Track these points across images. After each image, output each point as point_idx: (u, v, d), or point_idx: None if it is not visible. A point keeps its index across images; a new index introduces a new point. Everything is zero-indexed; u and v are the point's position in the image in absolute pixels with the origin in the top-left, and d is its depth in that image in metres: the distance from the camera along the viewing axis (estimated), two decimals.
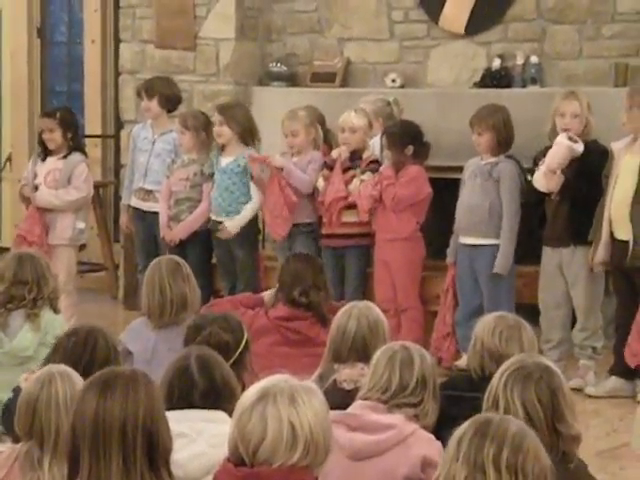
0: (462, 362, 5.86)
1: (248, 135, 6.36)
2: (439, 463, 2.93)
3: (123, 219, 7.04)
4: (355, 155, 6.24)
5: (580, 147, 5.65)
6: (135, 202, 6.81)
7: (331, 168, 6.24)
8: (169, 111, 6.78)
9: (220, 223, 6.39)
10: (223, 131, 6.35)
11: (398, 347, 3.13)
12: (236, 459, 2.31)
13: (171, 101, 6.77)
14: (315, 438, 2.28)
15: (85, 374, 2.91)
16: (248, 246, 6.41)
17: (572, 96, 5.78)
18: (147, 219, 6.75)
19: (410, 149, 6.04)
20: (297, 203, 6.21)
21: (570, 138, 5.65)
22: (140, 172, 6.78)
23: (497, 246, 5.90)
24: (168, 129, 6.75)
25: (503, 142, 5.91)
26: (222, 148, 6.42)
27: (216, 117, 6.40)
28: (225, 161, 6.39)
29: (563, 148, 5.64)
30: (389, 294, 6.06)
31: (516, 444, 2.13)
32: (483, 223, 5.92)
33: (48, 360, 3.25)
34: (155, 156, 6.72)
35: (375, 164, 6.21)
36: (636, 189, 5.49)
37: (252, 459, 2.27)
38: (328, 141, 6.47)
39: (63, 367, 2.85)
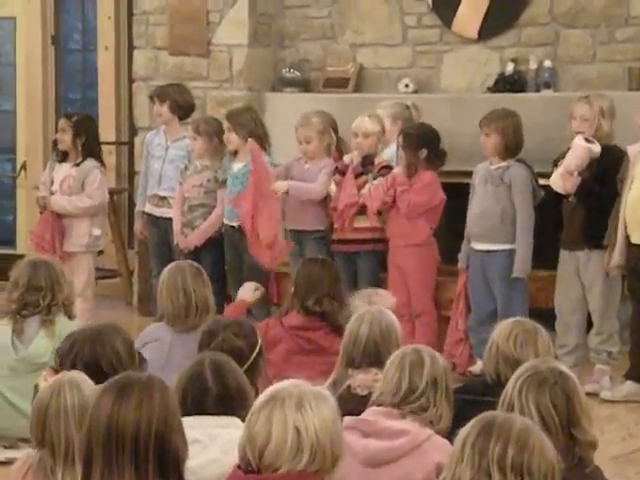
0: (476, 368, 5.86)
1: (256, 140, 6.36)
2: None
3: (137, 226, 7.06)
4: (367, 160, 6.24)
5: (597, 148, 5.64)
6: (149, 208, 6.84)
7: (343, 173, 6.24)
8: (181, 118, 6.79)
9: (233, 228, 6.40)
10: (231, 137, 6.37)
11: (409, 350, 3.13)
12: (245, 463, 2.31)
13: (183, 108, 6.78)
14: (322, 444, 2.27)
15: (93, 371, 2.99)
16: None
17: (584, 100, 5.78)
18: (161, 225, 6.77)
19: (424, 152, 6.03)
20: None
21: (587, 140, 5.64)
22: (154, 179, 6.80)
23: (510, 251, 5.89)
24: (181, 135, 6.76)
25: (510, 147, 5.89)
26: (234, 154, 6.44)
27: (224, 124, 6.44)
28: (237, 166, 6.41)
29: (580, 149, 5.63)
30: (403, 299, 6.04)
31: (521, 442, 2.11)
32: (495, 229, 5.90)
33: (59, 355, 3.28)
34: (169, 162, 6.74)
35: (387, 169, 6.21)
36: None
37: (258, 462, 2.27)
38: (339, 148, 6.46)
39: (73, 375, 2.85)
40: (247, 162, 6.35)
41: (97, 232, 6.59)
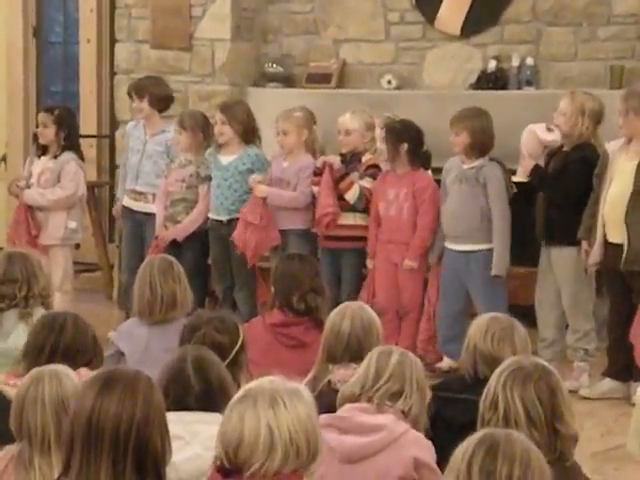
0: (444, 364, 5.89)
1: (249, 133, 6.36)
2: (431, 463, 2.94)
3: (116, 208, 7.01)
4: (354, 157, 6.25)
5: (549, 136, 5.67)
6: (126, 201, 6.81)
7: (318, 174, 6.21)
8: (161, 111, 6.76)
9: (220, 222, 6.38)
10: (224, 130, 6.34)
11: (380, 347, 3.16)
12: (220, 460, 2.30)
13: (162, 101, 6.74)
14: (295, 442, 2.26)
15: (50, 357, 3.08)
16: None
17: (567, 95, 5.83)
18: (136, 219, 6.75)
19: (404, 147, 6.03)
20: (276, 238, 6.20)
21: (548, 128, 5.69)
22: (132, 173, 6.78)
23: (489, 250, 5.91)
24: (160, 129, 6.73)
25: (478, 147, 5.90)
26: (220, 146, 6.41)
27: (217, 116, 6.40)
28: (227, 159, 6.37)
29: (528, 133, 5.69)
30: (393, 297, 6.05)
31: (525, 461, 2.14)
32: (474, 229, 5.92)
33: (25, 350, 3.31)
34: (147, 158, 6.70)
35: (374, 169, 6.21)
36: (631, 193, 5.49)
37: (233, 459, 2.26)
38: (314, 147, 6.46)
39: (55, 367, 2.85)
40: (239, 155, 6.33)
41: (73, 225, 6.57)
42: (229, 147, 6.38)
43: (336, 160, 6.16)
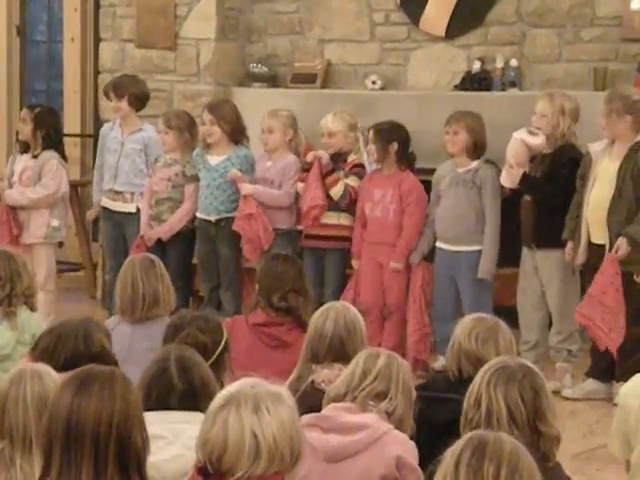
0: (438, 364, 5.89)
1: (238, 133, 6.36)
2: (413, 463, 2.94)
3: (91, 210, 6.99)
4: (339, 158, 6.26)
5: (536, 140, 5.69)
6: (104, 202, 6.80)
7: (308, 171, 6.24)
8: (138, 109, 6.74)
9: (209, 222, 6.37)
10: (213, 130, 6.33)
11: (370, 349, 3.16)
12: (203, 466, 2.29)
13: (140, 99, 6.72)
14: (280, 448, 2.25)
15: (66, 368, 2.92)
16: (234, 246, 6.40)
17: (545, 96, 5.86)
18: (115, 219, 6.73)
19: (394, 146, 6.05)
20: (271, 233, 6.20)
21: (530, 132, 5.70)
22: (110, 173, 6.75)
23: (479, 251, 5.93)
24: (137, 128, 6.71)
25: (477, 146, 5.94)
26: (207, 146, 6.41)
27: (205, 116, 6.38)
28: (215, 160, 6.37)
29: (513, 141, 5.71)
30: (378, 297, 6.05)
31: (513, 463, 2.14)
32: (470, 232, 5.94)
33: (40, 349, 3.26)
34: (124, 157, 6.68)
35: (359, 168, 6.22)
36: (613, 195, 5.51)
37: (217, 467, 2.24)
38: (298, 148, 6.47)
39: (37, 366, 2.84)
40: (228, 155, 6.33)
41: (55, 223, 6.56)
42: (218, 147, 6.38)
43: (325, 155, 6.18)
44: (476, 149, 5.95)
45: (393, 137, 6.04)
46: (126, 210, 6.65)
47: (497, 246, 5.94)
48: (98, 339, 3.28)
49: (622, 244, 5.41)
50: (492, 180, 5.92)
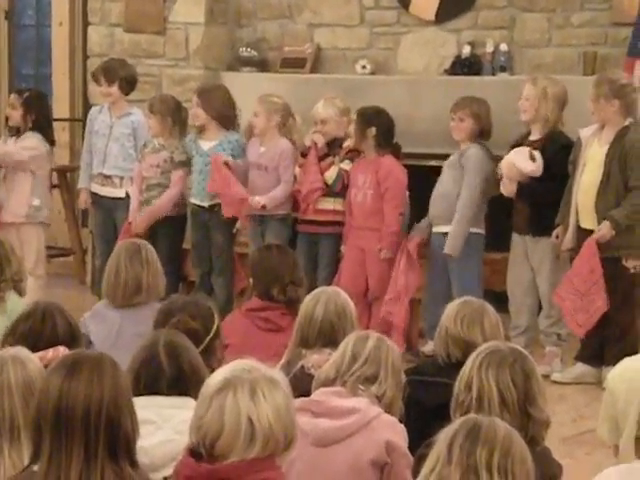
0: (428, 348, 5.90)
1: (225, 120, 6.34)
2: (403, 447, 2.95)
3: (82, 199, 6.97)
4: (335, 143, 6.25)
5: (528, 167, 5.67)
6: (94, 187, 6.78)
7: (306, 156, 6.23)
8: (127, 94, 6.71)
9: (202, 208, 6.36)
10: (198, 113, 6.33)
11: (358, 332, 3.15)
12: (195, 449, 2.29)
13: (130, 84, 6.70)
14: (275, 433, 2.25)
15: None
16: (228, 232, 6.40)
17: (530, 80, 5.86)
18: (105, 204, 6.71)
19: (372, 131, 6.04)
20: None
21: (531, 155, 5.69)
22: (99, 157, 6.73)
23: (470, 233, 5.94)
24: (126, 112, 6.68)
25: (484, 132, 5.95)
26: (200, 131, 6.40)
27: (193, 99, 6.40)
28: (207, 145, 6.37)
29: (508, 164, 5.71)
30: (361, 283, 6.05)
31: (505, 448, 2.15)
32: (452, 212, 5.94)
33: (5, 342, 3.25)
34: (113, 141, 6.66)
35: (354, 153, 6.21)
36: (601, 180, 5.52)
37: (209, 450, 2.24)
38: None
39: (16, 351, 2.81)
40: (219, 141, 6.32)
41: (36, 202, 6.55)
42: (209, 132, 6.37)
43: (320, 139, 6.16)
44: (482, 135, 5.96)
45: (372, 122, 6.03)
46: (115, 195, 6.63)
47: (466, 225, 5.90)
48: (67, 321, 3.28)
49: (605, 227, 5.43)
50: (474, 160, 5.90)
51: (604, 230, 5.43)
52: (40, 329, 3.23)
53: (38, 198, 6.56)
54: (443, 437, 2.16)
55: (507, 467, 2.13)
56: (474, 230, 5.96)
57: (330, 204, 6.20)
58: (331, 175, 6.14)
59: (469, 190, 5.90)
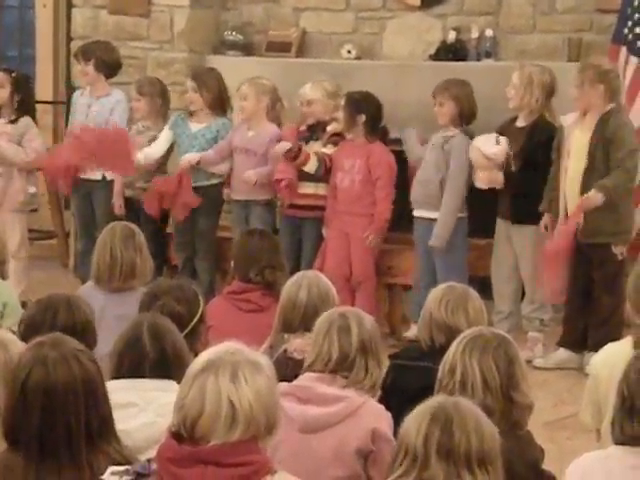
0: (411, 333, 5.91)
1: (220, 103, 6.34)
2: (388, 434, 2.96)
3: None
4: (318, 126, 6.24)
5: (492, 149, 5.68)
6: None
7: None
8: (108, 76, 6.66)
9: None
10: (194, 98, 6.31)
11: (335, 315, 3.11)
12: (177, 431, 2.29)
13: (109, 66, 6.64)
14: (256, 416, 2.24)
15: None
16: (213, 216, 6.40)
17: (517, 67, 5.86)
18: (82, 187, 6.64)
19: (362, 117, 6.03)
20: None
21: (497, 140, 5.70)
22: None
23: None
24: (105, 93, 6.65)
25: (465, 115, 5.93)
26: (190, 114, 6.38)
27: (189, 83, 6.38)
28: (196, 127, 6.36)
29: (473, 149, 5.74)
30: (345, 267, 6.06)
31: (478, 430, 2.17)
32: (434, 197, 5.94)
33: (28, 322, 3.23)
34: (92, 120, 6.62)
35: (338, 137, 6.20)
36: (586, 167, 5.53)
37: (190, 432, 2.25)
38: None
39: (1, 334, 2.81)
40: (208, 123, 6.32)
41: (33, 190, 6.53)
42: (199, 115, 6.37)
43: (283, 146, 6.08)
44: (463, 117, 5.94)
45: (362, 108, 6.03)
46: (92, 177, 6.60)
47: (452, 215, 5.92)
48: (83, 311, 3.25)
49: (596, 197, 5.41)
50: (460, 148, 5.90)
51: (592, 196, 5.39)
52: (41, 319, 3.21)
53: (34, 185, 6.55)
54: (414, 432, 2.16)
55: (484, 454, 2.16)
56: (457, 215, 5.97)
57: (313, 189, 6.19)
58: (312, 166, 6.12)
59: (454, 181, 5.90)
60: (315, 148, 6.20)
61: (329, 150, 6.18)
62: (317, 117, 6.23)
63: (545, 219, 5.73)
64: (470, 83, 5.99)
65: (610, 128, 5.49)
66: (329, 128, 6.24)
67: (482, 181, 5.82)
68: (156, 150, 6.41)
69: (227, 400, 2.22)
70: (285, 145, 6.10)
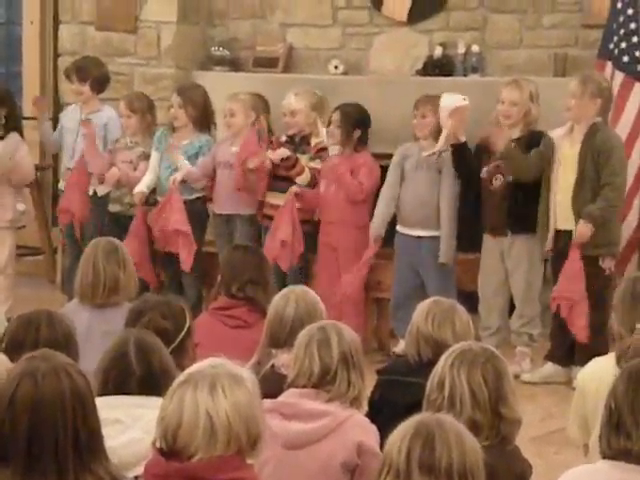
0: (399, 348, 5.91)
1: (204, 119, 6.36)
2: (374, 448, 2.95)
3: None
4: (302, 141, 6.24)
5: (457, 101, 5.69)
6: (61, 184, 6.78)
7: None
8: (99, 92, 6.70)
9: None
10: (179, 115, 6.32)
11: (315, 329, 3.11)
12: (160, 444, 2.28)
13: (102, 83, 6.69)
14: (235, 429, 2.24)
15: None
16: (198, 230, 6.39)
17: (513, 84, 5.85)
18: None
19: (358, 132, 6.07)
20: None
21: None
22: (68, 153, 6.74)
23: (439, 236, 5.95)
24: (96, 109, 6.66)
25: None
26: (173, 129, 6.39)
27: (174, 99, 6.38)
28: (178, 143, 6.36)
29: (444, 110, 5.75)
30: (334, 281, 6.05)
31: (460, 446, 2.17)
32: (433, 217, 5.96)
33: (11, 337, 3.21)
34: (83, 136, 6.63)
35: (324, 152, 6.21)
36: (576, 180, 5.55)
37: (172, 445, 2.25)
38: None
39: None
40: (190, 139, 6.33)
41: (21, 207, 6.51)
42: (182, 132, 6.38)
43: (281, 153, 6.07)
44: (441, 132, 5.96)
45: (358, 124, 6.07)
46: None
47: (455, 230, 5.96)
48: (65, 325, 3.23)
49: (582, 226, 5.45)
50: (449, 164, 5.92)
51: (582, 229, 5.46)
52: (23, 334, 3.19)
53: (23, 203, 6.54)
54: (397, 449, 2.16)
55: (466, 467, 2.15)
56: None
57: (282, 200, 6.16)
58: (304, 180, 6.13)
59: (452, 197, 5.93)
60: (302, 162, 6.22)
61: (317, 165, 6.20)
62: (299, 128, 6.24)
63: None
64: None
65: (598, 139, 5.53)
66: (313, 141, 6.25)
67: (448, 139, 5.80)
68: (153, 176, 6.38)
69: (205, 412, 2.23)
70: (284, 152, 6.10)
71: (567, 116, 5.63)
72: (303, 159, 6.22)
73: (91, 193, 6.59)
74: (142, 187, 6.35)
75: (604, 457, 2.57)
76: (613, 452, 2.54)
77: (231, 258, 4.48)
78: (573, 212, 5.56)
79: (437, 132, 5.93)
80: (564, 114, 5.65)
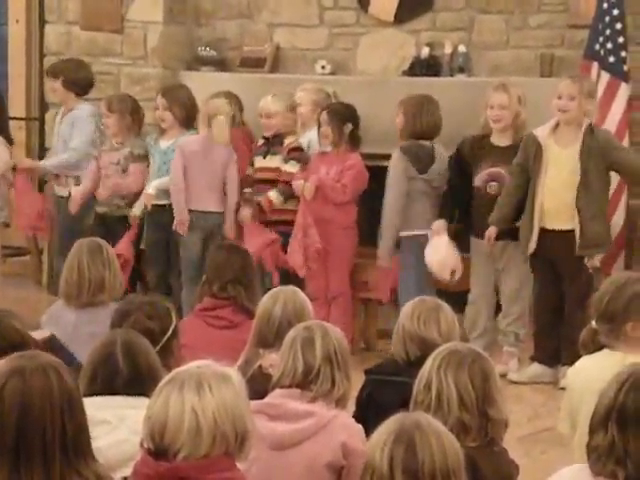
0: None
1: (190, 119, 6.35)
2: (359, 449, 2.95)
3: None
4: (276, 140, 6.24)
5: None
6: (49, 185, 6.80)
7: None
8: (79, 94, 6.68)
9: (162, 207, 6.31)
10: (165, 116, 6.31)
11: (300, 329, 3.11)
12: (147, 443, 2.28)
13: (78, 84, 6.66)
14: (221, 427, 2.25)
15: None
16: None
17: (501, 88, 5.84)
18: (58, 202, 6.68)
19: (349, 127, 6.07)
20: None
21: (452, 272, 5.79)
22: (52, 156, 6.75)
23: (417, 235, 5.94)
24: (72, 107, 6.66)
25: (410, 129, 5.93)
26: (162, 132, 6.38)
27: (159, 100, 6.37)
28: (166, 144, 6.36)
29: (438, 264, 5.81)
30: (321, 282, 6.06)
31: (441, 448, 2.17)
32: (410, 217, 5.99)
33: None
34: (60, 139, 6.63)
35: (297, 152, 6.20)
36: (580, 180, 5.52)
37: (158, 442, 2.25)
38: (247, 132, 6.48)
39: None
40: (175, 140, 6.29)
41: None
42: (169, 132, 6.37)
43: (246, 215, 6.12)
44: (410, 132, 5.95)
45: (347, 118, 6.08)
46: (61, 194, 6.63)
47: (390, 233, 5.93)
48: (11, 327, 3.19)
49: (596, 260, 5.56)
50: (392, 164, 5.93)
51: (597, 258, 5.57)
52: None
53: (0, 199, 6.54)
54: (379, 454, 2.15)
55: (449, 469, 2.16)
56: (418, 232, 5.97)
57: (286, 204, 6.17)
58: (277, 204, 6.13)
59: (386, 199, 6.00)
60: (275, 163, 6.20)
61: (292, 168, 6.16)
62: (275, 130, 6.24)
63: (491, 229, 5.72)
64: (433, 99, 5.99)
65: (600, 138, 5.55)
66: (286, 141, 6.24)
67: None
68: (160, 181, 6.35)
69: (190, 410, 2.24)
70: (247, 213, 6.11)
71: (564, 117, 5.60)
72: (275, 160, 6.20)
73: (66, 194, 6.57)
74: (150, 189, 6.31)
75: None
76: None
77: (214, 258, 4.46)
78: (577, 211, 5.53)
79: (402, 132, 5.92)
80: (559, 115, 5.59)
